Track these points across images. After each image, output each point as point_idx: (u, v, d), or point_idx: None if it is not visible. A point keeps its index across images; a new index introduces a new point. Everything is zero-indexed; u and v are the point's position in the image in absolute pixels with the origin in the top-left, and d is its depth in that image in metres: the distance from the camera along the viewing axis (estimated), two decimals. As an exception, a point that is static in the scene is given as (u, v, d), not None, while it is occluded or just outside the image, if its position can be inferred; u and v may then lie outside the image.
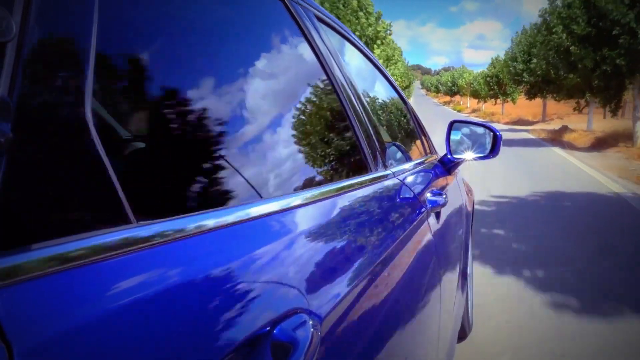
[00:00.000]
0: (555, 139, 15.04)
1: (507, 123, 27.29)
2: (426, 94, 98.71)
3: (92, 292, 0.32)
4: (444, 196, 1.33)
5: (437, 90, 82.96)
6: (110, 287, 0.34)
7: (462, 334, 2.24)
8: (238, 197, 0.57)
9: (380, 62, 1.71)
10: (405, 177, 1.21)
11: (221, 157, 0.58)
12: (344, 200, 0.81)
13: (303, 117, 0.85)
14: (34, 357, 0.27)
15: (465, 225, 2.02)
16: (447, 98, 76.45)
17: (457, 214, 1.75)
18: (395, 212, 1.00)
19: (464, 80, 57.06)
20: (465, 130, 1.79)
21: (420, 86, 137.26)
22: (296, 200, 0.66)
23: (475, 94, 45.33)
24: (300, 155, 0.79)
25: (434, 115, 26.44)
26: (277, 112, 0.75)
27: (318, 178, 0.82)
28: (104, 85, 0.44)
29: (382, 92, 1.68)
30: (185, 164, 0.51)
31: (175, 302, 0.37)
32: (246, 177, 0.61)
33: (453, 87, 66.74)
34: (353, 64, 1.35)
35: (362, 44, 1.52)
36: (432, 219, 1.21)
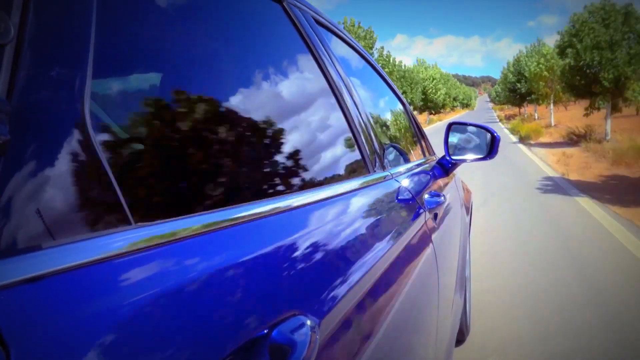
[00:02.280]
0: None
1: None
2: (492, 107, 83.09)
3: (89, 294, 0.32)
4: (442, 197, 1.33)
5: (501, 101, 53.95)
6: (108, 288, 0.34)
7: (460, 337, 2.24)
8: (236, 198, 0.57)
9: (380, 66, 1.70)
10: (404, 179, 1.21)
11: (220, 158, 0.58)
12: (343, 202, 0.81)
13: (301, 119, 0.85)
14: None
15: (463, 227, 2.02)
16: (515, 110, 48.18)
17: (455, 216, 1.76)
18: (394, 213, 1.00)
19: (540, 64, 25.72)
20: (464, 131, 1.79)
21: (488, 99, 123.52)
22: (295, 201, 0.66)
23: (580, 88, 15.01)
24: (299, 157, 0.79)
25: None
26: (276, 114, 0.76)
27: (317, 180, 0.82)
28: (103, 87, 0.44)
29: (380, 94, 1.69)
30: (184, 166, 0.51)
31: (173, 304, 0.37)
32: (245, 178, 0.61)
33: (518, 86, 35.29)
34: (351, 66, 1.35)
35: (360, 46, 1.52)
36: (430, 221, 1.21)
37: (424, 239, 1.11)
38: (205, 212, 0.48)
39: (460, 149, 1.76)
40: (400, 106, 1.87)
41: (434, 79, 45.11)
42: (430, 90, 43.64)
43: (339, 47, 1.24)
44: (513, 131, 22.11)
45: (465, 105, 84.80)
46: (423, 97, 41.46)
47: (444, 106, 49.85)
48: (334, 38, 1.23)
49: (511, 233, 4.59)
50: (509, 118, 42.04)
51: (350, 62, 1.35)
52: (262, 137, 0.70)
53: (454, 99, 68.29)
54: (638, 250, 3.81)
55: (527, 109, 40.43)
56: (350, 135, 1.00)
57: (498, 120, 42.70)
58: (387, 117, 1.69)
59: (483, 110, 71.20)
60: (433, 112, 46.56)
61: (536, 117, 32.30)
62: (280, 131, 0.75)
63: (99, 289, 0.33)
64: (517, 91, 36.60)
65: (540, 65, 26.00)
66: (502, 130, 24.90)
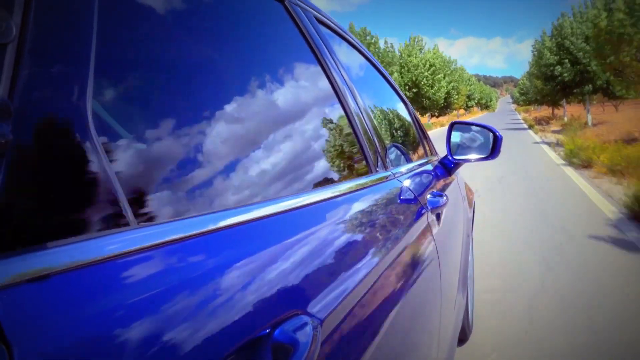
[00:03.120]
0: None
1: None
2: (515, 109, 70.26)
3: (91, 293, 0.32)
4: (445, 197, 1.33)
5: (527, 100, 41.39)
6: (109, 288, 0.34)
7: (463, 336, 2.23)
8: (238, 199, 0.57)
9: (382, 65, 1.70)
10: (406, 179, 1.21)
11: (221, 159, 0.58)
12: (345, 202, 0.81)
13: (302, 119, 0.85)
14: (33, 359, 0.27)
15: (466, 227, 2.02)
16: (545, 111, 36.05)
17: (457, 216, 1.75)
18: (396, 213, 1.00)
19: (618, 10, 10.27)
20: (466, 131, 1.79)
21: (510, 99, 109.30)
22: (297, 202, 0.66)
23: None
24: (300, 158, 0.79)
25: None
26: (277, 114, 0.75)
27: (319, 180, 0.82)
28: (104, 87, 0.44)
29: (382, 93, 1.68)
30: (185, 167, 0.51)
31: (175, 304, 0.37)
32: (247, 179, 0.61)
33: (559, 70, 21.67)
34: (353, 65, 1.35)
35: (361, 45, 1.52)
36: (432, 220, 1.20)
37: (427, 239, 1.11)
38: (207, 213, 0.48)
39: (464, 148, 1.76)
40: (402, 105, 1.87)
41: (431, 66, 29.35)
42: (425, 82, 29.32)
43: (340, 46, 1.24)
44: (571, 156, 8.96)
45: (484, 106, 73.29)
46: (415, 90, 29.58)
47: (448, 106, 35.59)
48: (336, 37, 1.23)
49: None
50: (540, 122, 25.73)
51: (352, 61, 1.35)
52: (264, 138, 0.70)
53: (469, 98, 54.46)
54: None
55: (567, 109, 25.93)
56: (352, 135, 1.00)
57: (526, 125, 25.85)
58: (389, 116, 1.69)
59: (505, 113, 57.84)
60: (435, 113, 34.03)
61: (589, 122, 18.67)
62: (282, 131, 0.75)
63: (100, 288, 0.33)
64: (557, 78, 21.88)
65: (619, 15, 11.61)
66: (543, 154, 11.07)
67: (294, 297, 0.51)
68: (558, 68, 21.79)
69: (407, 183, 1.18)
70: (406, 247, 0.92)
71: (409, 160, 1.57)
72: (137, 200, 0.41)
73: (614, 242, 3.71)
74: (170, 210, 0.46)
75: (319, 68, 0.95)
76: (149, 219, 0.41)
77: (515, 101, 72.09)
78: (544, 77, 23.17)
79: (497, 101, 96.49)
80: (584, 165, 8.13)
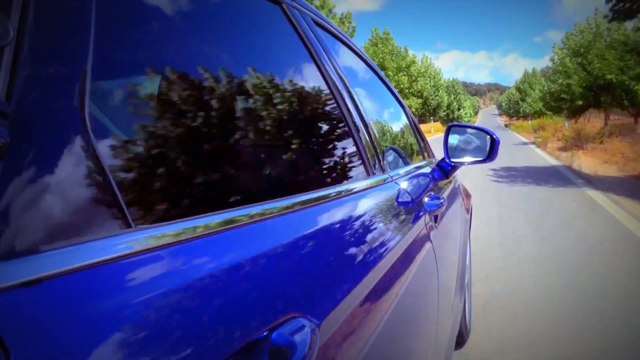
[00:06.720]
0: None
1: None
2: (505, 125, 53.73)
3: (90, 296, 0.32)
4: (442, 200, 1.33)
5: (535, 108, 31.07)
6: (107, 291, 0.33)
7: (460, 340, 2.23)
8: (236, 201, 0.57)
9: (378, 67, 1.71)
10: (404, 181, 1.21)
11: (219, 161, 0.58)
12: (342, 204, 0.81)
13: (299, 121, 0.84)
14: None
15: (463, 230, 2.02)
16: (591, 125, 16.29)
17: (455, 219, 1.76)
18: (393, 216, 1.00)
19: None
20: (463, 134, 1.79)
21: (496, 111, 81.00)
22: (294, 204, 0.65)
23: None
24: (298, 160, 0.79)
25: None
26: (274, 117, 0.75)
27: (316, 182, 0.82)
28: (102, 90, 0.44)
29: (380, 96, 1.69)
30: (183, 169, 0.51)
31: (173, 307, 0.37)
32: (244, 181, 0.61)
33: None
34: (351, 68, 1.35)
35: (359, 48, 1.52)
36: (430, 223, 1.20)
37: (424, 242, 1.11)
38: (205, 215, 0.48)
39: (460, 151, 1.76)
40: (399, 108, 1.87)
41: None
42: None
43: (338, 49, 1.24)
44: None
45: (440, 115, 43.83)
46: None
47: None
48: (333, 40, 1.23)
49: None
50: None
51: (349, 64, 1.35)
52: (261, 140, 0.70)
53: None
54: None
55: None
56: (349, 137, 1.00)
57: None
58: (387, 119, 1.69)
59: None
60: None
61: None
62: (279, 133, 0.75)
63: (98, 292, 0.33)
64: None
65: None
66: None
67: (290, 300, 0.51)
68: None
69: (404, 186, 1.18)
70: (404, 250, 0.92)
71: (406, 163, 1.58)
72: (135, 202, 0.41)
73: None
74: (168, 212, 0.46)
75: (316, 71, 0.95)
76: (147, 221, 0.41)
77: (506, 112, 54.16)
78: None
79: (476, 113, 71.66)
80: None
